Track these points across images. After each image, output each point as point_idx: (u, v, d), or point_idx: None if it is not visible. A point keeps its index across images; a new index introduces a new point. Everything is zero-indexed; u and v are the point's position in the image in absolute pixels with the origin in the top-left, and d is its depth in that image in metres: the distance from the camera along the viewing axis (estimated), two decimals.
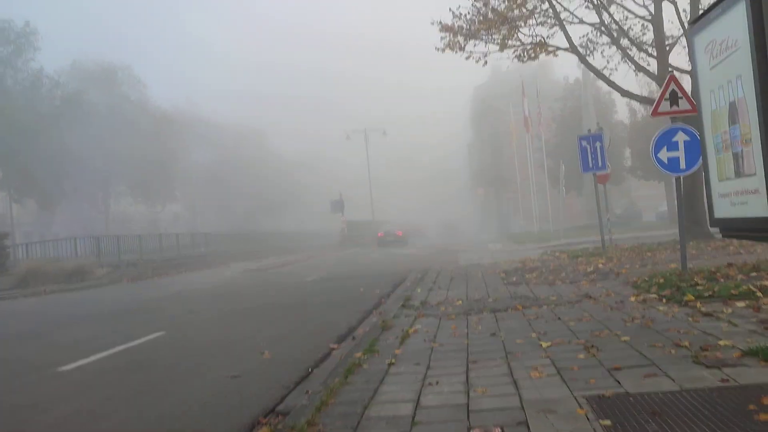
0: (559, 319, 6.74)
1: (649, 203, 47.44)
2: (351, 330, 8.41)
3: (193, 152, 65.76)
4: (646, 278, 8.96)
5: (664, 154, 8.87)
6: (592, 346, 5.17)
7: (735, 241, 14.81)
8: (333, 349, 7.16)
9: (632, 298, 7.52)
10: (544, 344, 5.44)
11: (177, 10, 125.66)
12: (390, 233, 47.11)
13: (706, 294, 6.79)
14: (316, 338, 7.93)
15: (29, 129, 36.87)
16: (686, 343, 4.85)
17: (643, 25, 16.87)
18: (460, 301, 9.07)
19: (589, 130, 15.33)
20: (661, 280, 8.35)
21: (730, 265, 9.26)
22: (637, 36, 17.27)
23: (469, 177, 68.04)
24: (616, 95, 40.90)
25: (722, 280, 7.90)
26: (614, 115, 38.80)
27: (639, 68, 16.63)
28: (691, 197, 15.87)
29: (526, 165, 41.24)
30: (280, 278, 19.14)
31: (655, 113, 9.07)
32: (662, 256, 12.96)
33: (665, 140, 8.87)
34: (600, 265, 12.19)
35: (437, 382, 4.55)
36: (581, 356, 4.87)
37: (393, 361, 5.43)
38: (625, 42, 16.95)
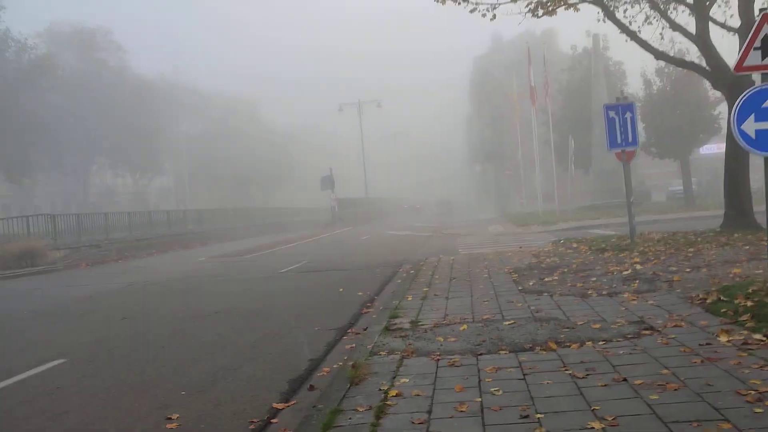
0: (624, 379, 4.30)
1: (656, 182, 44.95)
2: (312, 367, 6.02)
3: (180, 123, 62.93)
4: (721, 296, 6.53)
5: (751, 126, 6.38)
6: None
7: None
8: (276, 411, 4.77)
9: (722, 338, 5.07)
10: None
11: None
12: (412, 207, 72.65)
13: None
14: (259, 384, 5.55)
15: None
16: None
17: None
18: (465, 325, 6.63)
19: (617, 98, 12.81)
20: (749, 303, 5.91)
21: None
22: None
23: (467, 153, 65.28)
24: (627, 66, 38.29)
25: None
26: (625, 88, 36.03)
27: (674, 26, 14.02)
28: (735, 181, 13.42)
29: (528, 139, 38.61)
30: (251, 269, 16.68)
31: (739, 69, 6.54)
32: (711, 254, 10.52)
33: (754, 105, 6.36)
34: (637, 266, 9.75)
35: None
36: None
37: None
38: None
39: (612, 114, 12.44)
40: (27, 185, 47.60)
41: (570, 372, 4.59)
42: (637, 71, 33.06)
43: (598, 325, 6.08)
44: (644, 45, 13.79)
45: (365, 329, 7.30)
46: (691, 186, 30.22)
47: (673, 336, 5.38)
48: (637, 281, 8.45)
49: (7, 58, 37.20)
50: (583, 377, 4.44)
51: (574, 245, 14.04)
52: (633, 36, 13.78)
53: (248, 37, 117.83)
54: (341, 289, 11.10)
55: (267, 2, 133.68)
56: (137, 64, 55.28)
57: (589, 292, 8.01)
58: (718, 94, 29.41)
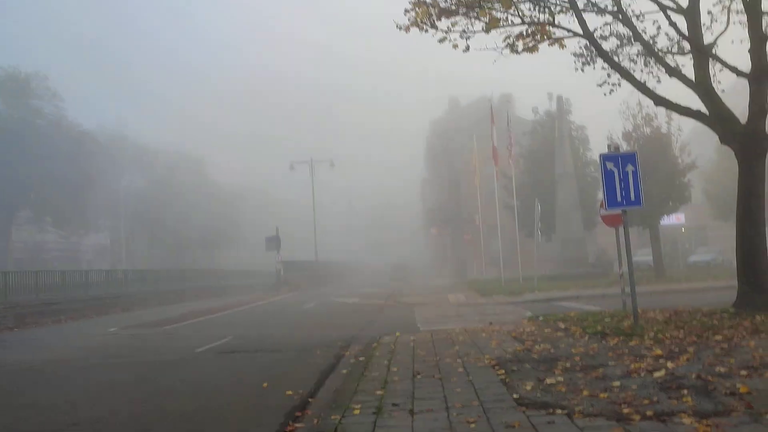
0: None
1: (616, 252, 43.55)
2: None
3: (120, 177, 59.10)
4: None
5: None
6: None
7: None
8: None
9: None
10: None
11: (108, 26, 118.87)
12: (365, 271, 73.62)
13: None
14: None
15: None
16: None
17: (671, 20, 12.37)
18: None
19: (617, 148, 10.68)
20: None
21: None
22: (654, 35, 12.81)
23: (423, 216, 63.26)
24: (591, 131, 37.20)
25: None
26: (588, 153, 34.82)
27: (672, 72, 12.12)
28: (751, 251, 11.25)
29: (488, 204, 36.79)
30: (162, 346, 13.50)
31: None
32: (751, 345, 8.09)
33: None
34: (666, 362, 7.19)
35: None
36: None
37: None
38: (650, 40, 12.48)
39: (610, 166, 10.25)
40: None
41: None
42: (604, 134, 31.70)
43: None
44: (642, 88, 11.84)
45: None
46: (661, 257, 28.44)
47: None
48: (686, 391, 5.86)
49: None
50: None
51: (562, 325, 11.46)
52: (628, 77, 11.82)
53: (196, 91, 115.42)
54: (265, 384, 8.18)
55: (215, 54, 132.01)
56: (76, 114, 51.81)
57: (625, 410, 5.36)
58: (688, 160, 28.29)
